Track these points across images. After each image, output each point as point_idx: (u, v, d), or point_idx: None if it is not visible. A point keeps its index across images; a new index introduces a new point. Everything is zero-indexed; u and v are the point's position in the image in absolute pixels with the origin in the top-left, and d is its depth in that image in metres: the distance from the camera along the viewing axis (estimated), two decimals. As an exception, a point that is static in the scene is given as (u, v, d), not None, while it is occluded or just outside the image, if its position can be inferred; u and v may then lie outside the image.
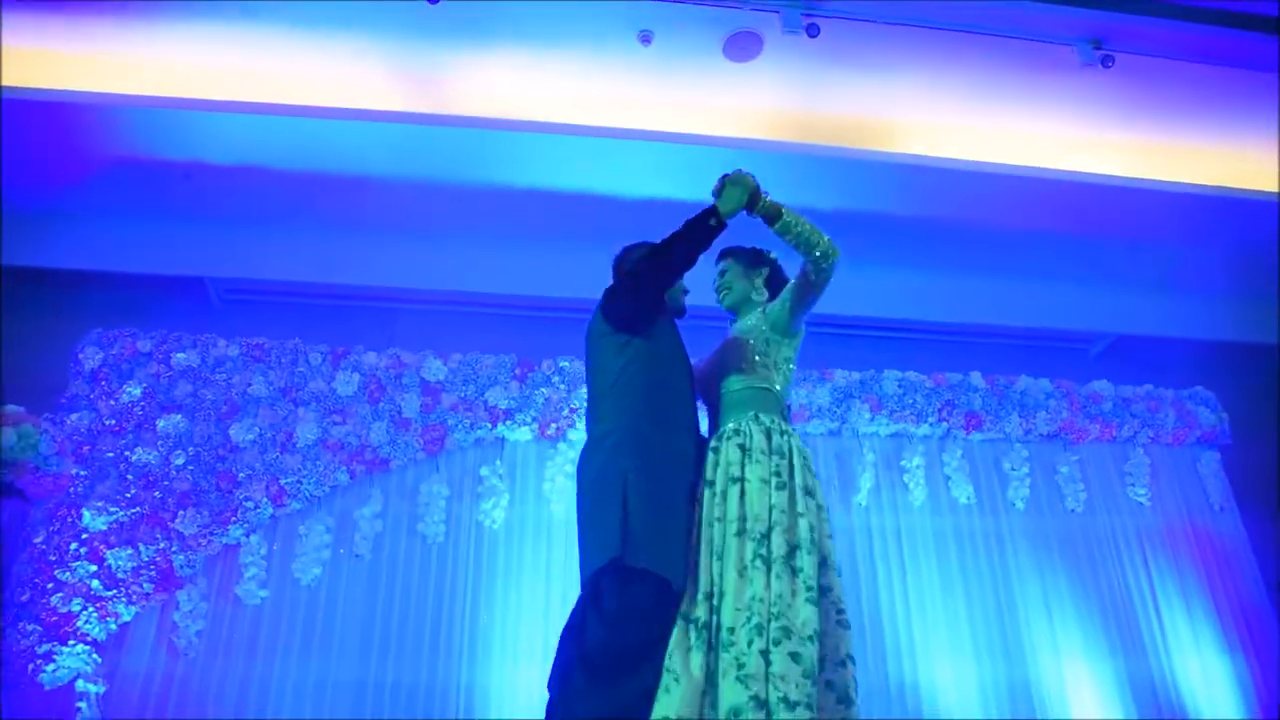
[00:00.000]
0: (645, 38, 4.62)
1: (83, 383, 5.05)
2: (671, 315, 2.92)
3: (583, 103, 5.04)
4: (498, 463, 5.36)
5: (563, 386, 5.44)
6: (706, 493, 2.58)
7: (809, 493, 2.56)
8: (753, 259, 3.03)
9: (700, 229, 2.67)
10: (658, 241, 2.87)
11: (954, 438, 5.89)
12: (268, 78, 4.81)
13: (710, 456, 2.65)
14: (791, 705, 2.21)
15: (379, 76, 4.86)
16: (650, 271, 2.67)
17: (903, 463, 5.77)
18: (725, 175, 2.75)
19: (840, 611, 2.52)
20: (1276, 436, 6.33)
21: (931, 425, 5.80)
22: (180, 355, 5.19)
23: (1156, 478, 6.08)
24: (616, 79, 4.95)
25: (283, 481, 4.96)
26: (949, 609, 5.44)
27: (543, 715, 2.50)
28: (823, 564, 2.53)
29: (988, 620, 5.45)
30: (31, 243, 5.22)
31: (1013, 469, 5.87)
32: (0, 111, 4.55)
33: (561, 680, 2.41)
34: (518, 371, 5.47)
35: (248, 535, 4.92)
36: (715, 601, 2.39)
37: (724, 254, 3.11)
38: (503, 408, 5.36)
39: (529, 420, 5.38)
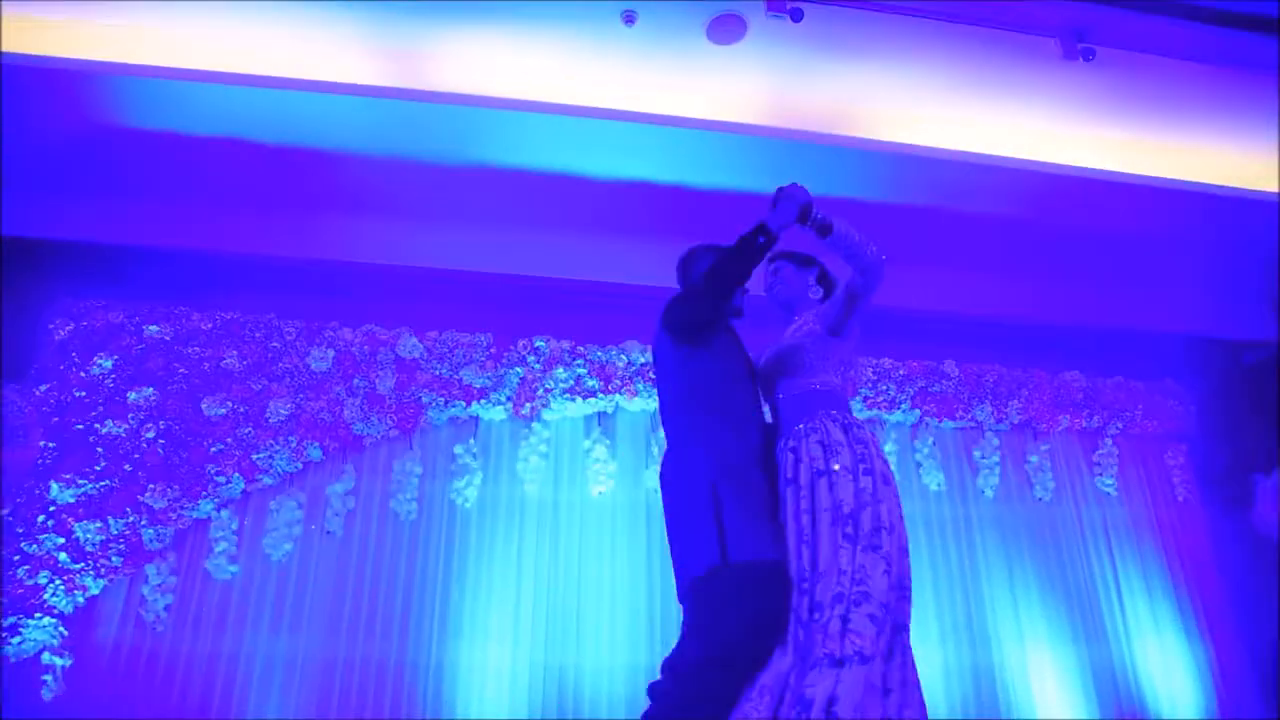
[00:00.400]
0: (629, 17, 4.58)
1: (52, 354, 5.00)
2: (730, 318, 3.00)
3: (564, 82, 5.00)
4: (471, 441, 5.35)
5: (538, 366, 5.44)
6: (789, 490, 2.70)
7: (886, 480, 2.70)
8: (803, 258, 3.16)
9: (751, 246, 2.73)
10: (719, 245, 3.00)
11: (926, 425, 5.94)
12: (245, 49, 4.73)
13: (789, 457, 2.75)
14: (866, 659, 2.38)
15: (360, 51, 4.80)
16: (706, 293, 2.75)
17: (875, 449, 5.81)
18: (780, 188, 2.81)
19: (889, 566, 2.65)
20: (1240, 430, 6.43)
21: (904, 412, 5.84)
22: (152, 328, 5.14)
23: (1124, 468, 6.17)
24: (598, 58, 4.91)
25: (254, 457, 4.94)
26: (916, 594, 5.44)
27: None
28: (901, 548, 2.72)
29: (954, 606, 5.53)
30: (1, 212, 5.14)
31: (983, 457, 5.94)
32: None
33: (690, 682, 2.50)
34: (493, 350, 5.46)
35: (218, 510, 4.90)
36: (808, 585, 2.54)
37: (773, 257, 3.21)
38: (477, 386, 5.35)
39: (503, 399, 5.37)
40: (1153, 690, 5.52)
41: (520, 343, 5.51)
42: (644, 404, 5.56)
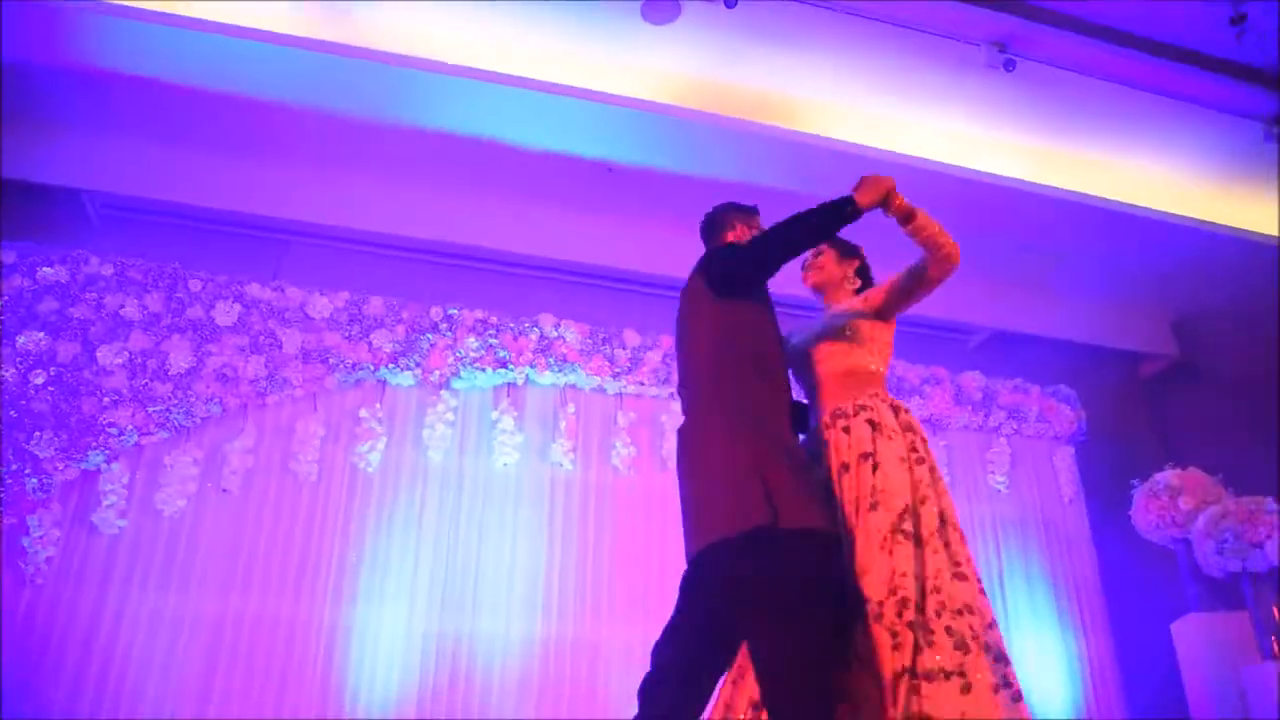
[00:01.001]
0: (562, -10, 4.54)
1: (-64, 291, 4.78)
2: None
3: (495, 49, 4.93)
4: (377, 406, 5.30)
5: (449, 334, 5.39)
6: (838, 474, 2.59)
7: (936, 470, 2.65)
8: (847, 248, 3.10)
9: (837, 212, 2.64)
10: (742, 204, 2.98)
11: (831, 416, 6.06)
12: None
13: (840, 437, 2.64)
14: (948, 675, 2.27)
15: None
16: (778, 239, 2.62)
17: (782, 436, 5.92)
18: (864, 176, 2.75)
19: (957, 565, 2.50)
20: (1126, 436, 6.73)
21: (810, 402, 5.95)
22: (47, 270, 4.94)
23: (1015, 467, 6.40)
24: (531, 28, 4.86)
25: (151, 409, 4.82)
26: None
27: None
28: (961, 539, 2.61)
29: (844, 592, 5.68)
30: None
31: (883, 449, 6.09)
32: None
33: (794, 684, 2.23)
34: (405, 315, 5.40)
35: (109, 462, 4.77)
36: (849, 578, 2.43)
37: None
38: (387, 350, 5.29)
39: (412, 365, 5.33)
40: (1026, 680, 5.75)
41: (433, 309, 5.45)
42: (554, 378, 5.57)
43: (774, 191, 5.55)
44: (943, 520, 2.50)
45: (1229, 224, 5.94)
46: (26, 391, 4.65)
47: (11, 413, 4.58)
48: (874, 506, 2.47)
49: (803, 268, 3.11)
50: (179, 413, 4.87)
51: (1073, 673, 5.91)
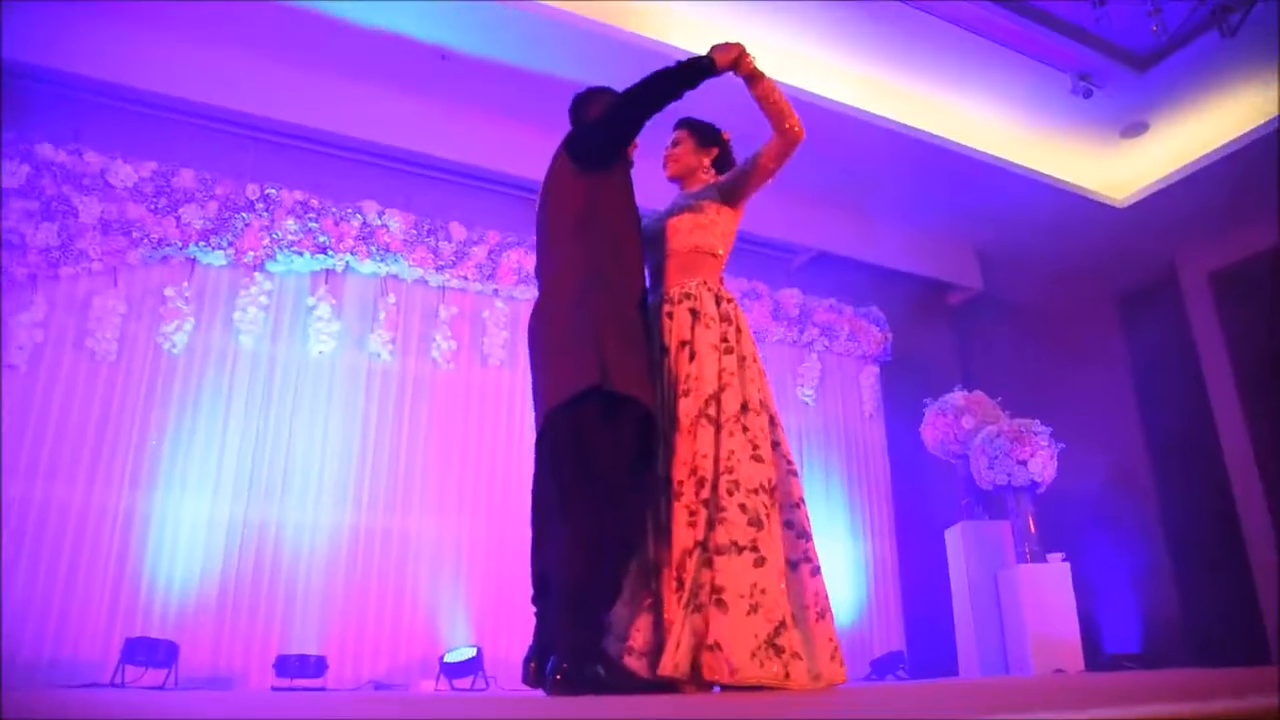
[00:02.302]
0: None
1: None
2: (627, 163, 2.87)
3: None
4: (185, 284, 5.07)
5: (266, 215, 5.18)
6: (660, 356, 2.66)
7: (753, 358, 2.70)
8: (708, 135, 3.04)
9: (692, 69, 2.67)
10: (610, 88, 2.90)
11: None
12: None
13: (665, 322, 2.70)
14: (740, 549, 2.38)
15: None
16: (632, 99, 2.63)
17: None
18: (714, 45, 2.77)
19: (790, 462, 2.69)
20: (928, 359, 7.20)
21: (635, 308, 6.08)
22: None
23: (823, 382, 6.77)
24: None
25: (-77, 274, 4.45)
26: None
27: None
28: (771, 422, 2.68)
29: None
30: None
31: (702, 358, 6.30)
32: None
33: (575, 513, 2.40)
34: (219, 192, 5.13)
35: (-127, 329, 4.40)
36: (662, 457, 2.53)
37: (681, 123, 3.07)
38: (197, 228, 5.04)
39: (225, 245, 5.11)
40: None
41: (250, 187, 5.21)
42: (375, 267, 5.46)
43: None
44: (744, 407, 2.58)
45: (1035, 169, 6.34)
46: None
47: None
48: (686, 393, 2.58)
49: (663, 159, 3.11)
50: (-43, 279, 4.52)
51: (857, 575, 6.41)
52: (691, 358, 2.61)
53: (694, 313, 2.67)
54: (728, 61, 2.75)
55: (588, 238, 2.61)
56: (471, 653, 4.91)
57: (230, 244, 5.11)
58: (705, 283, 2.76)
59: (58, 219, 4.77)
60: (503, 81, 5.45)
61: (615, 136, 2.69)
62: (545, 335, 2.60)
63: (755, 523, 2.43)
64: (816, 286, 6.87)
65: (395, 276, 5.56)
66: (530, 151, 5.78)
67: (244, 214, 5.14)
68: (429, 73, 5.41)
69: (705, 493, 2.44)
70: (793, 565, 2.54)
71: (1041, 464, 5.22)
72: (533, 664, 2.41)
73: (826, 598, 2.57)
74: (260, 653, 4.74)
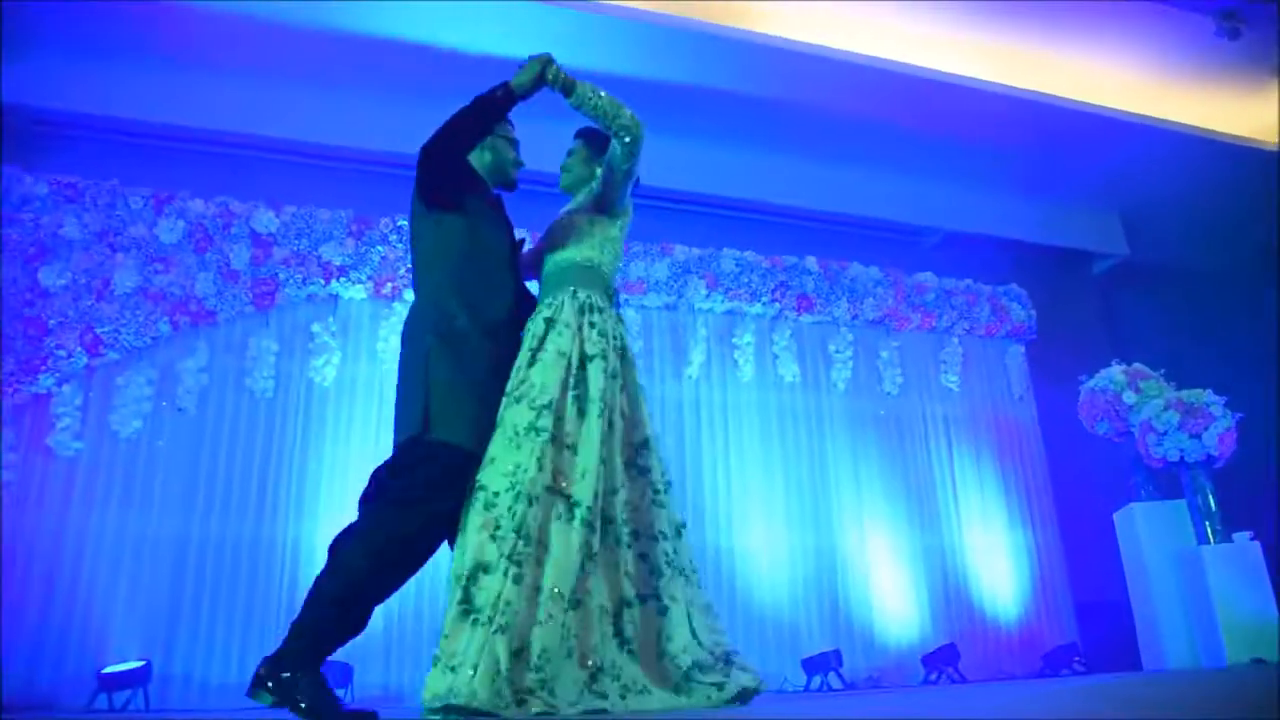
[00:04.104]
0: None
1: None
2: (493, 189, 2.85)
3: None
4: (330, 320, 5.27)
5: (400, 245, 5.34)
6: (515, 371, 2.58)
7: (614, 376, 2.58)
8: (601, 146, 2.89)
9: (487, 100, 2.63)
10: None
11: (785, 318, 6.13)
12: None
13: (522, 336, 2.65)
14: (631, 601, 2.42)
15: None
16: (437, 143, 2.59)
17: (734, 339, 5.99)
18: (531, 56, 2.69)
19: (657, 491, 2.59)
20: (1076, 334, 6.85)
21: (764, 305, 6.01)
22: (-23, 189, 4.80)
23: (967, 366, 6.53)
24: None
25: (98, 330, 4.76)
26: (767, 480, 5.79)
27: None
28: (643, 446, 2.62)
29: (801, 492, 5.84)
30: None
31: (837, 351, 6.18)
32: None
33: (375, 518, 2.43)
34: (354, 228, 5.32)
35: (60, 385, 4.73)
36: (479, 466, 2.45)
37: (578, 135, 3.01)
38: (337, 264, 5.24)
39: (364, 278, 5.28)
40: (976, 573, 6.01)
41: (383, 221, 5.38)
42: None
43: (724, 94, 5.49)
44: (603, 439, 2.49)
45: (1178, 120, 5.96)
46: (-32, 315, 4.57)
47: (-46, 337, 4.51)
48: (518, 399, 2.48)
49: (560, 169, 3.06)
50: (128, 333, 4.81)
51: (1021, 565, 6.15)
52: (532, 363, 2.54)
53: (549, 321, 2.60)
54: (525, 83, 2.64)
55: (432, 276, 2.62)
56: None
57: (369, 277, 5.29)
58: (575, 293, 2.66)
59: (212, 268, 5.03)
60: (615, 92, 5.45)
61: (436, 179, 2.64)
62: (399, 375, 2.63)
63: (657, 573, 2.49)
64: (951, 268, 6.63)
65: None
66: (649, 162, 5.80)
67: (379, 247, 5.31)
68: (545, 97, 5.47)
69: (526, 513, 2.33)
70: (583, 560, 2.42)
71: (1218, 436, 4.88)
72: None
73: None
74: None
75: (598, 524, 2.42)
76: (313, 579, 2.39)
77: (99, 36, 4.93)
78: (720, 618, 2.67)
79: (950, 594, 5.91)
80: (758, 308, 6.01)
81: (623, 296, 5.74)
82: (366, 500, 2.52)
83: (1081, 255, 7.17)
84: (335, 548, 2.42)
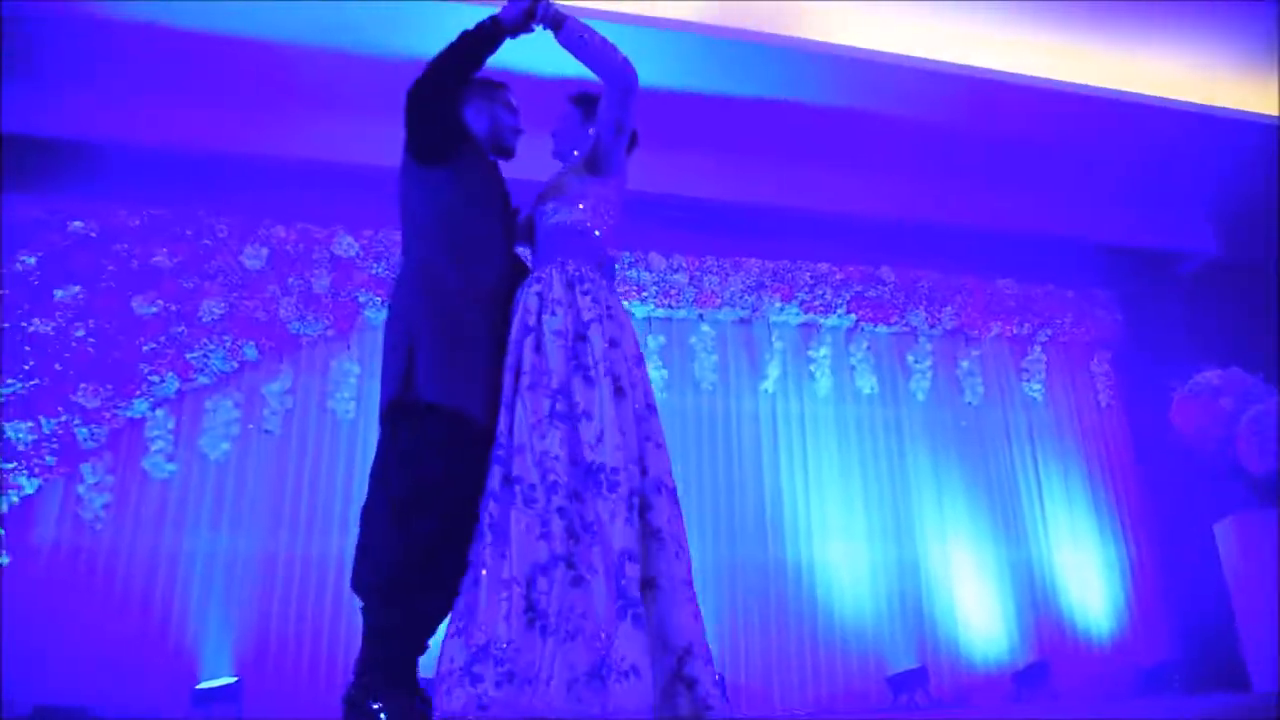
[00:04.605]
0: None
1: (-28, 251, 4.87)
2: (486, 152, 2.66)
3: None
4: (409, 342, 5.34)
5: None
6: (511, 345, 2.44)
7: (615, 345, 2.43)
8: (594, 109, 2.69)
9: (473, 35, 2.47)
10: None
11: (861, 329, 6.04)
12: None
13: (514, 306, 2.50)
14: (593, 569, 2.17)
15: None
16: (422, 84, 2.45)
17: (810, 352, 5.92)
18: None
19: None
20: (1165, 338, 6.61)
21: (840, 316, 5.93)
22: (77, 223, 5.01)
23: (1051, 374, 6.35)
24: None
25: (188, 356, 4.91)
26: (847, 494, 5.70)
27: None
28: (648, 408, 2.44)
29: (882, 505, 5.74)
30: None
31: (916, 362, 6.07)
32: None
33: (366, 521, 2.30)
34: (431, 250, 5.40)
35: (153, 409, 4.89)
36: (504, 454, 2.29)
37: (569, 98, 2.82)
38: (415, 287, 5.31)
39: (442, 301, 5.35)
40: (1065, 588, 5.82)
41: (458, 243, 5.45)
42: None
43: (792, 106, 5.46)
44: (615, 401, 2.33)
45: (1267, 113, 5.73)
46: (68, 344, 4.75)
47: (55, 366, 4.69)
48: (532, 386, 2.33)
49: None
50: (216, 357, 4.96)
51: (1113, 579, 5.94)
52: (538, 348, 2.37)
53: (540, 297, 2.44)
54: (515, 16, 2.46)
55: (424, 237, 2.46)
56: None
57: (446, 298, 5.35)
58: (563, 264, 2.50)
59: (294, 293, 5.16)
60: (677, 109, 5.46)
61: (419, 124, 2.47)
62: (383, 342, 2.47)
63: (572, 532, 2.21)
64: (1032, 273, 6.46)
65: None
66: (721, 176, 5.81)
67: (456, 268, 5.38)
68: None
69: (560, 499, 2.19)
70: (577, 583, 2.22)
71: (1324, 442, 4.66)
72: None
73: None
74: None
75: (630, 487, 2.27)
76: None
77: (185, 75, 5.11)
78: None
79: (1039, 609, 5.74)
80: (833, 319, 5.94)
81: (696, 312, 5.75)
82: (374, 474, 2.33)
83: (1168, 256, 6.92)
84: (354, 572, 2.28)
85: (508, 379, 2.35)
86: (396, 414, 2.28)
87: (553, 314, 2.39)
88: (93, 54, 4.95)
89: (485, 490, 2.26)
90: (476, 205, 2.52)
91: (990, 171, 6.15)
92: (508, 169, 2.70)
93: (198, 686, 4.48)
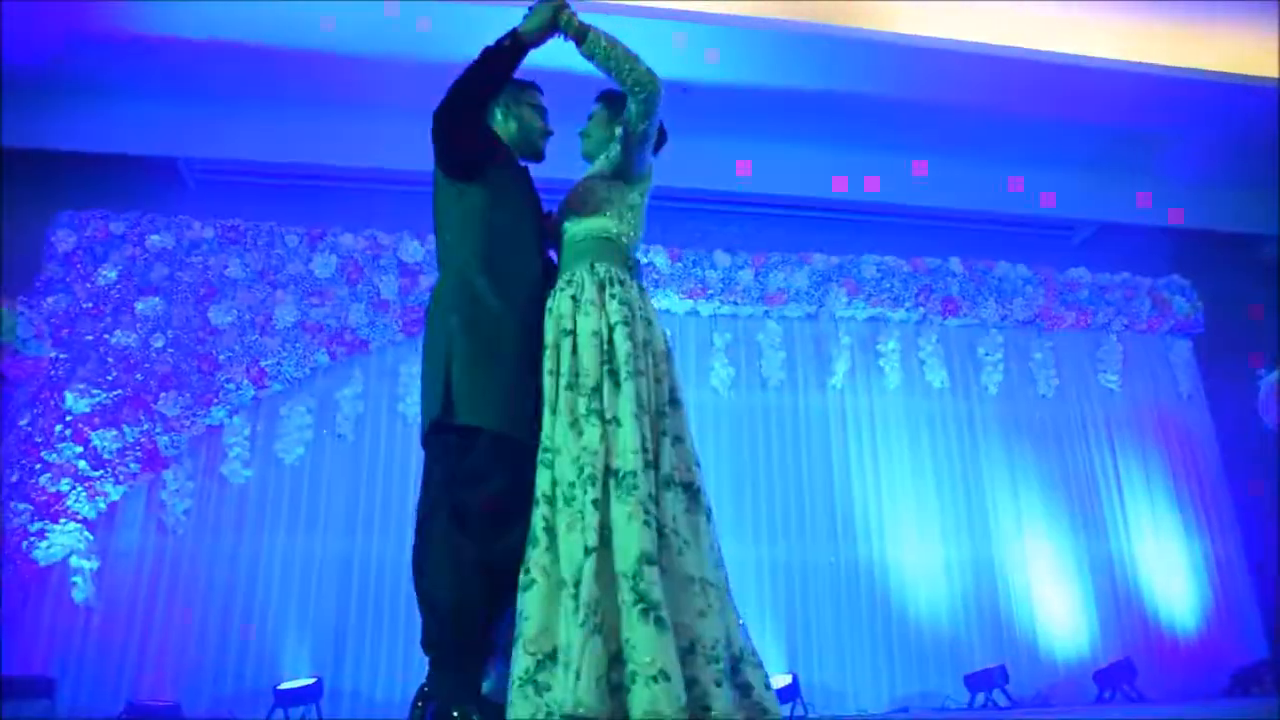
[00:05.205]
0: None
1: (57, 265, 5.03)
2: (516, 158, 2.66)
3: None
4: (478, 344, 5.39)
5: (541, 270, 5.43)
6: (545, 350, 2.44)
7: (648, 347, 2.43)
8: (620, 107, 2.64)
9: (494, 52, 2.45)
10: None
11: (930, 322, 5.94)
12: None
13: (548, 311, 2.50)
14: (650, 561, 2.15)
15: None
16: (446, 106, 2.43)
17: (878, 346, 5.84)
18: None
19: (646, 451, 2.31)
20: (1248, 325, 6.39)
21: (908, 310, 5.84)
22: (155, 237, 5.14)
23: (1128, 365, 6.17)
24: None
25: (263, 363, 5.01)
26: (919, 491, 5.61)
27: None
28: (672, 404, 2.45)
29: (955, 502, 5.63)
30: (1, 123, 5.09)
31: (987, 354, 5.95)
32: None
33: (421, 541, 2.34)
34: (497, 252, 5.44)
35: (230, 416, 5.00)
36: (549, 458, 2.30)
37: (597, 98, 2.79)
38: (481, 289, 5.36)
39: (507, 301, 5.39)
40: (1149, 584, 5.66)
41: (524, 245, 5.48)
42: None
43: (856, 97, 5.39)
44: (637, 403, 2.31)
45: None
46: (149, 355, 4.89)
47: (137, 376, 4.83)
48: (570, 386, 2.34)
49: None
50: (290, 365, 5.05)
51: (1199, 575, 5.76)
52: (574, 349, 2.37)
53: (574, 300, 2.43)
54: (533, 30, 2.44)
55: (458, 251, 2.45)
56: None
57: (512, 301, 5.39)
58: (593, 266, 2.48)
59: (364, 299, 5.24)
60: (740, 104, 5.43)
61: (447, 144, 2.46)
62: (422, 359, 2.49)
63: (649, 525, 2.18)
64: (1106, 262, 6.29)
65: (667, 311, 5.63)
66: (786, 169, 5.76)
67: (521, 271, 5.41)
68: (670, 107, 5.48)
69: (595, 493, 2.18)
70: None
71: None
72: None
73: None
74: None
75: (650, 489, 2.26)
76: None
77: (254, 91, 5.22)
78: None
79: (1121, 606, 5.58)
80: (901, 313, 5.85)
81: (762, 309, 5.71)
82: (423, 514, 2.38)
83: (1249, 239, 6.68)
84: (417, 583, 2.33)
85: (550, 383, 2.37)
86: (438, 436, 2.32)
87: (586, 314, 2.39)
88: (167, 74, 5.09)
89: (536, 496, 2.27)
90: (509, 216, 2.51)
91: (1060, 158, 6.00)
92: (538, 169, 2.71)
93: (279, 687, 4.57)
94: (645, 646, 2.04)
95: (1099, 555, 5.68)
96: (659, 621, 2.06)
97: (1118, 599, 5.59)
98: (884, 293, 5.79)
